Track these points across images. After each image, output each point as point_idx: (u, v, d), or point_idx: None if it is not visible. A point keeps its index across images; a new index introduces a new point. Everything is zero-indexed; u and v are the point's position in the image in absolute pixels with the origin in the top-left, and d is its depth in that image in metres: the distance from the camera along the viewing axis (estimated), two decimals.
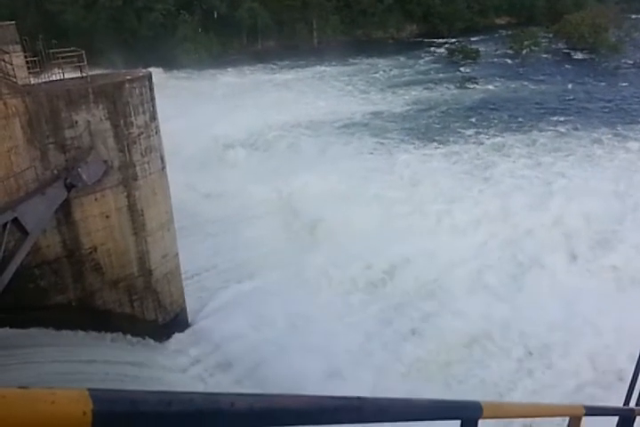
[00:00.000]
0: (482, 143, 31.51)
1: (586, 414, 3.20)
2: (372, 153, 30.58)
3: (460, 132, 33.69)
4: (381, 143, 32.29)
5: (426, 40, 69.72)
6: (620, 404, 4.89)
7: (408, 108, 40.17)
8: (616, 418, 3.92)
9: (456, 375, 14.85)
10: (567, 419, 3.22)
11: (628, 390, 5.17)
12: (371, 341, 15.89)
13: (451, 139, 32.49)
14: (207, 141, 29.30)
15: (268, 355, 14.65)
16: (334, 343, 15.08)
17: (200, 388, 13.71)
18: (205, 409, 1.18)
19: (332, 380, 13.57)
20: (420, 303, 17.62)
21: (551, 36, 64.62)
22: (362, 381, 13.63)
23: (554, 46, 62.54)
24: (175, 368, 14.82)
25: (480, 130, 34.22)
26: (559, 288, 17.60)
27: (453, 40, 66.43)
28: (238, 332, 15.46)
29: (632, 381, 5.26)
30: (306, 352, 14.35)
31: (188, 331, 16.21)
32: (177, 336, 15.86)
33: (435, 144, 31.63)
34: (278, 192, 24.08)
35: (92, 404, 0.96)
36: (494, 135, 32.89)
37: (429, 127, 35.42)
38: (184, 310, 16.57)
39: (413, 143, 32.03)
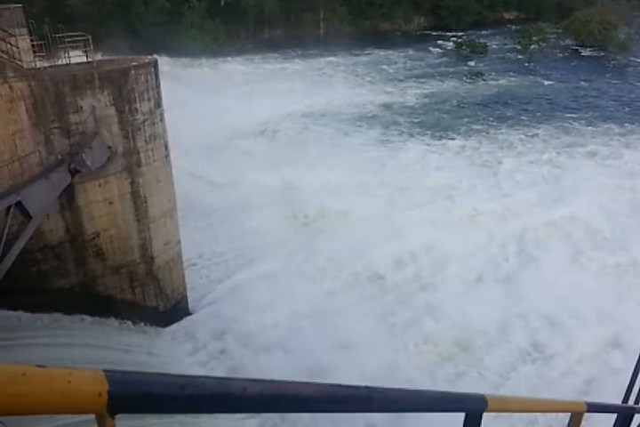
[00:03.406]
0: (495, 138, 31.61)
1: (587, 411, 3.21)
2: (384, 144, 30.70)
3: (471, 127, 33.76)
4: (392, 135, 32.41)
5: (433, 33, 69.40)
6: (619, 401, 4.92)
7: (418, 100, 40.17)
8: (615, 415, 3.94)
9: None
10: (569, 415, 3.23)
11: (628, 389, 5.18)
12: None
13: (462, 133, 32.56)
14: (217, 130, 29.27)
15: (268, 345, 14.71)
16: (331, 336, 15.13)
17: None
18: (218, 393, 1.18)
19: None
20: (423, 294, 17.82)
21: (560, 32, 64.27)
22: None
23: (562, 43, 62.24)
24: (174, 355, 14.87)
25: (491, 124, 34.30)
26: (568, 281, 17.83)
27: (461, 33, 66.11)
28: (239, 320, 15.50)
29: (631, 379, 5.28)
30: (306, 345, 14.43)
31: (188, 318, 16.26)
32: (177, 324, 15.91)
33: (446, 137, 31.76)
34: (285, 182, 24.02)
35: (107, 385, 0.95)
36: (506, 130, 33.02)
37: (441, 120, 35.45)
38: (185, 297, 16.62)
39: (425, 136, 32.13)
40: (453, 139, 31.49)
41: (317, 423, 11.32)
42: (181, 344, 15.18)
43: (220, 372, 14.11)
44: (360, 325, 15.66)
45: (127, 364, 13.04)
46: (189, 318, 16.31)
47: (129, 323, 14.80)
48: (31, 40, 12.87)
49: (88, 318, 14.20)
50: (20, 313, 13.22)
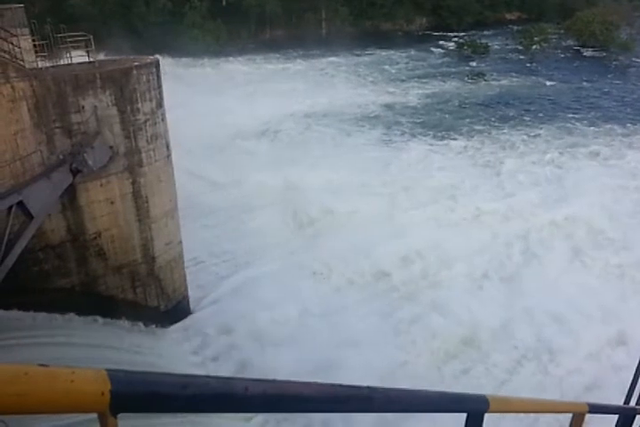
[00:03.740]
0: (497, 138, 31.65)
1: (589, 412, 3.21)
2: (386, 144, 30.74)
3: (473, 127, 33.77)
4: (395, 135, 32.48)
5: (435, 33, 69.43)
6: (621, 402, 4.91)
7: (420, 101, 40.22)
8: (617, 416, 3.93)
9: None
10: (570, 416, 3.23)
11: (629, 390, 5.17)
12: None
13: (464, 133, 32.59)
14: (219, 130, 29.29)
15: (275, 342, 14.72)
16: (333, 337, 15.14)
17: None
18: (220, 393, 1.18)
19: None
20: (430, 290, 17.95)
21: (562, 32, 64.20)
22: None
23: (564, 43, 62.21)
24: (175, 356, 14.87)
25: (494, 124, 34.34)
26: (572, 281, 17.94)
27: (463, 34, 66.07)
28: (240, 320, 15.51)
29: (633, 380, 5.27)
30: (307, 343, 14.44)
31: (189, 318, 16.27)
32: (178, 324, 15.91)
33: (449, 138, 31.81)
34: (287, 182, 23.99)
35: (110, 384, 0.95)
36: (508, 130, 33.04)
37: (443, 121, 35.47)
38: (186, 297, 16.62)
39: (427, 136, 32.18)
40: (455, 139, 31.51)
41: (327, 422, 11.38)
42: (189, 343, 15.17)
43: (227, 369, 14.13)
44: (367, 321, 15.78)
45: (125, 363, 13.02)
46: (190, 317, 16.31)
47: (130, 323, 14.80)
48: (33, 40, 12.87)
49: (88, 318, 14.21)
50: (20, 312, 13.23)
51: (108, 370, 0.96)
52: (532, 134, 32.19)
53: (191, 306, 16.77)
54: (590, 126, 33.52)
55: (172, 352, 14.83)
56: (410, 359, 14.64)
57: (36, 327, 13.19)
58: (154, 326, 15.35)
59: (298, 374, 11.70)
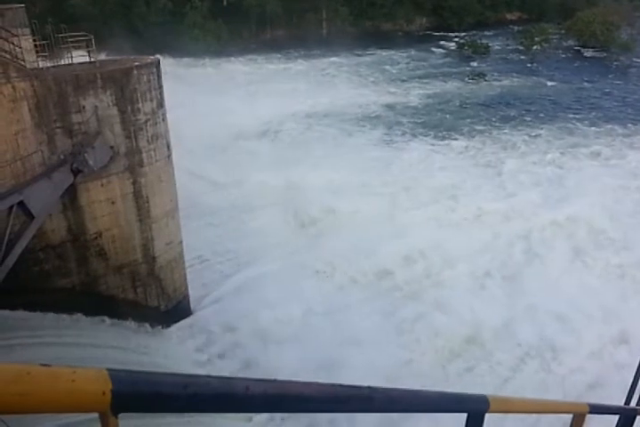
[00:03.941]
0: (498, 138, 31.66)
1: (590, 412, 3.21)
2: (387, 144, 30.77)
3: (474, 127, 33.79)
4: (396, 135, 32.53)
5: (435, 33, 69.42)
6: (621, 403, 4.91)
7: (421, 101, 40.26)
8: (617, 417, 3.93)
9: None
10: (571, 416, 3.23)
11: (630, 390, 5.18)
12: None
13: (465, 133, 32.60)
14: (220, 130, 29.29)
15: (279, 340, 14.73)
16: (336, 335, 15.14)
17: None
18: (221, 393, 1.18)
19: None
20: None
21: (562, 32, 64.16)
22: None
23: (565, 43, 62.19)
24: (181, 355, 14.86)
25: (495, 124, 34.37)
26: (573, 280, 17.99)
27: (463, 34, 66.04)
28: (243, 319, 15.52)
29: (633, 381, 5.27)
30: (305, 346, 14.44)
31: (190, 318, 16.27)
32: (179, 324, 15.91)
33: (450, 138, 31.85)
34: (289, 182, 23.98)
35: (111, 384, 0.95)
36: (509, 131, 33.06)
37: (444, 121, 35.48)
38: (187, 297, 16.62)
39: (428, 136, 32.22)
40: (456, 139, 31.53)
41: (332, 421, 11.41)
42: (193, 341, 15.17)
43: (232, 366, 14.13)
44: (370, 320, 15.86)
45: (127, 363, 13.03)
46: (199, 314, 16.32)
47: (130, 323, 14.81)
48: (34, 40, 12.88)
49: (89, 318, 14.22)
50: (20, 312, 13.23)
51: (109, 370, 0.96)
52: (533, 134, 32.22)
53: (192, 305, 16.77)
54: (591, 126, 33.54)
55: (177, 352, 14.83)
56: (414, 358, 14.70)
57: (43, 327, 13.21)
58: (160, 326, 15.37)
59: (301, 372, 11.75)
